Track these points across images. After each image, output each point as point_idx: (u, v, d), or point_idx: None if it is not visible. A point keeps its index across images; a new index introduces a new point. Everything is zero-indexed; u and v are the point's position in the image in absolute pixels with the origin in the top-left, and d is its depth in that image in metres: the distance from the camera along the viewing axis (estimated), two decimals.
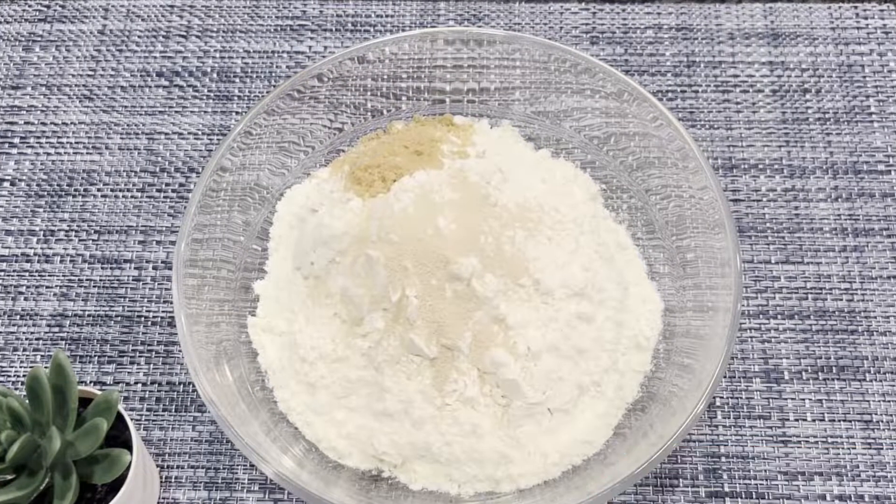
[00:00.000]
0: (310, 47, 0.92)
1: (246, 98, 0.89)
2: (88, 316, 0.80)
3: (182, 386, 0.77)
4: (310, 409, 0.71)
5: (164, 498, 0.73)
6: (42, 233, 0.83)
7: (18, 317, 0.80)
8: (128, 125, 0.88)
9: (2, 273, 0.82)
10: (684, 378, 0.69)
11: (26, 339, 0.79)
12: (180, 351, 0.77)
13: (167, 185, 0.85)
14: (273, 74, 0.90)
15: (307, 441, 0.71)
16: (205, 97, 0.89)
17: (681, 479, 0.73)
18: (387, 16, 0.93)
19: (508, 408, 0.69)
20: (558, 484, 0.69)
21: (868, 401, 0.76)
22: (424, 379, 0.68)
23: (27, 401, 0.63)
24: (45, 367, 0.63)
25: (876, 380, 0.76)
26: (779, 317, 0.79)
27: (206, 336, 0.69)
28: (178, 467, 0.74)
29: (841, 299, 0.79)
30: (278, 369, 0.72)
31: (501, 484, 0.69)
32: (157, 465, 0.74)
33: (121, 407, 0.65)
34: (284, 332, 0.73)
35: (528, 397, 0.68)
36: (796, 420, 0.75)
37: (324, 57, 0.90)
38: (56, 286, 0.81)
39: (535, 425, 0.69)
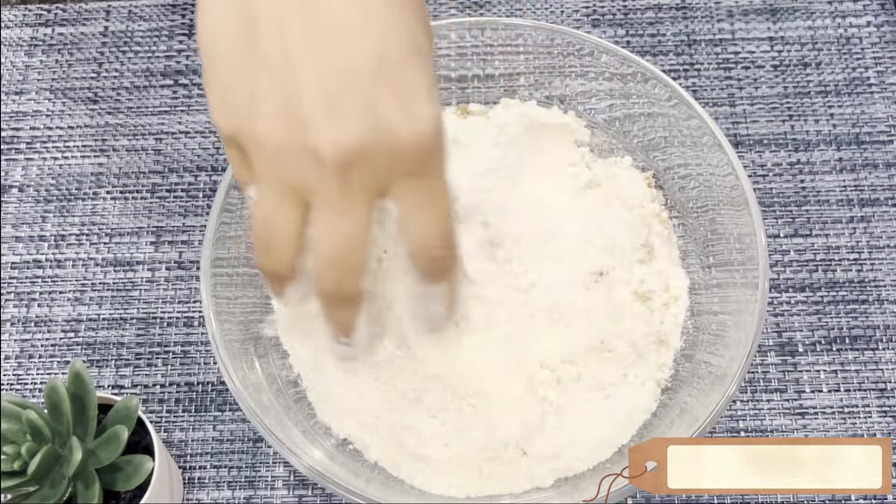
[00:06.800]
0: None
1: None
2: (103, 320, 0.75)
3: (201, 386, 0.72)
4: (344, 409, 0.66)
5: (188, 499, 0.69)
6: (53, 238, 0.78)
7: (33, 324, 0.75)
8: (134, 126, 0.82)
9: (14, 280, 0.76)
10: (716, 355, 0.65)
11: (42, 346, 0.74)
12: (198, 351, 0.73)
13: (176, 184, 0.80)
14: None
15: (342, 440, 0.66)
16: None
17: None
18: None
19: (547, 403, 0.64)
20: (597, 471, 0.64)
21: (882, 369, 0.72)
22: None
23: (46, 411, 0.59)
24: (63, 374, 0.59)
25: (889, 348, 0.73)
26: (790, 290, 0.75)
27: (236, 335, 0.64)
28: (200, 468, 0.70)
29: (850, 270, 0.75)
30: (310, 370, 0.67)
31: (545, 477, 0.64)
32: (180, 467, 0.69)
33: (140, 411, 0.61)
34: (312, 334, 0.68)
35: (562, 395, 0.64)
36: (812, 392, 0.71)
37: None
38: (69, 291, 0.76)
39: (574, 417, 0.65)
